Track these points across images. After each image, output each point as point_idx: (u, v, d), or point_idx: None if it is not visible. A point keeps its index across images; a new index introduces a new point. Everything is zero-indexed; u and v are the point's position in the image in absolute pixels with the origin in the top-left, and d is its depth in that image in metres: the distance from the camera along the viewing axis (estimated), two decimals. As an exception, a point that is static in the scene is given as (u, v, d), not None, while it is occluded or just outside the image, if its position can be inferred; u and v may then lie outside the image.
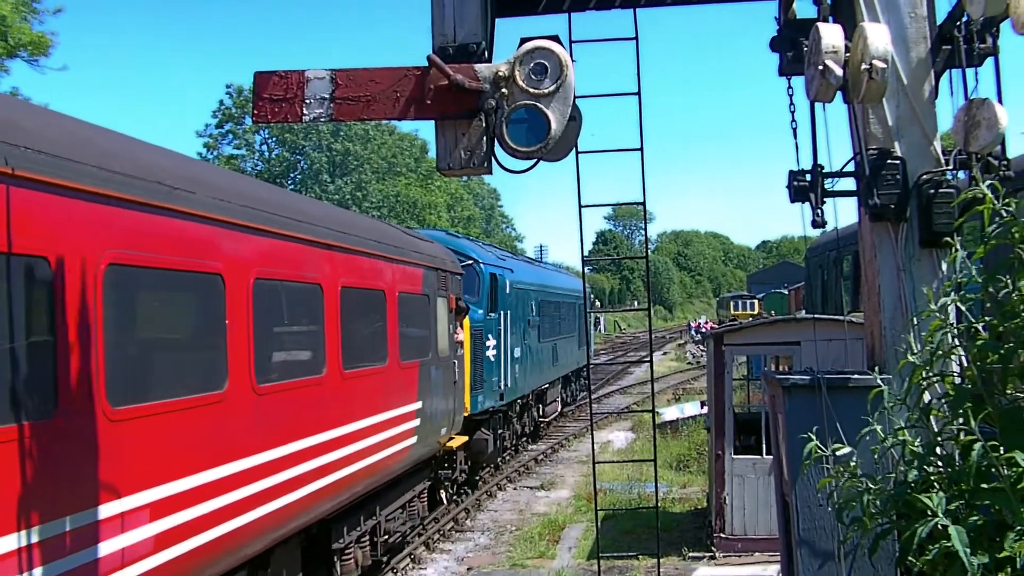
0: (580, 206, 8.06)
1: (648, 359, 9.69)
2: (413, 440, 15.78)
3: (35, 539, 6.61)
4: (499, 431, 25.08)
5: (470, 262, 22.71)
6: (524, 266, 32.41)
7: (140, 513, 7.94)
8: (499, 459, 25.98)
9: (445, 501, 20.75)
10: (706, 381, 19.13)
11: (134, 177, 8.11)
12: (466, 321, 20.63)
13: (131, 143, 9.12)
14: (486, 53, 6.50)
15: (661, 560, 12.19)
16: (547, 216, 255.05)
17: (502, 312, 24.78)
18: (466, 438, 20.92)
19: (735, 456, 15.87)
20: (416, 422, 15.89)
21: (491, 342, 23.51)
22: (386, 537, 15.64)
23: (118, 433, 7.65)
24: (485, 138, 6.18)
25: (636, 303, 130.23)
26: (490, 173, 6.45)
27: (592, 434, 9.73)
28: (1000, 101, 6.13)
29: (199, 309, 9.56)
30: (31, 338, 6.90)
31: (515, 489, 24.85)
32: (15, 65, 31.35)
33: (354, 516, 14.12)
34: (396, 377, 14.99)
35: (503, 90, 6.11)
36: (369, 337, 14.10)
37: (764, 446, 15.45)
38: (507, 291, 25.55)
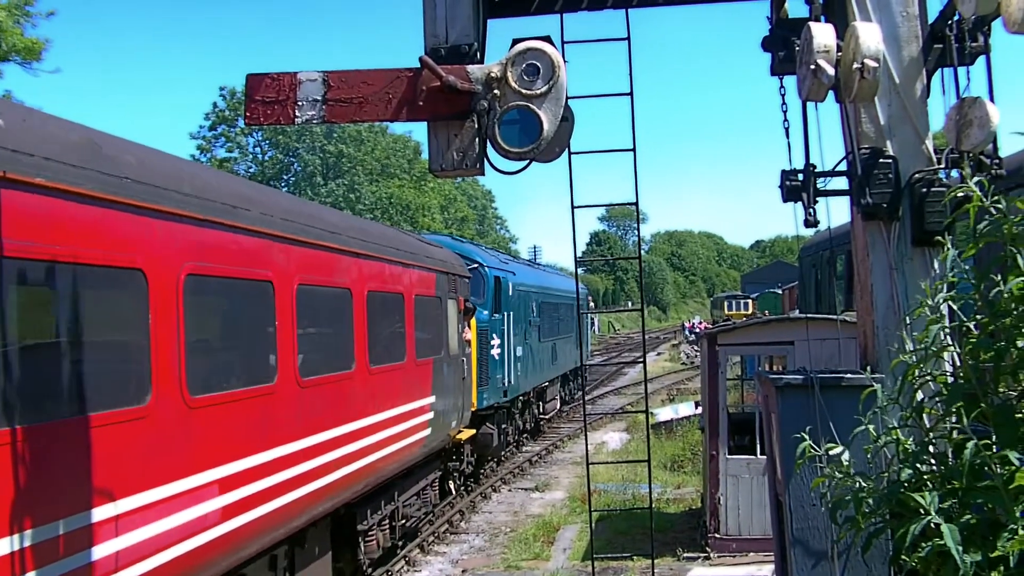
0: (573, 207, 8.08)
1: (642, 360, 9.71)
2: (428, 432, 16.92)
3: (146, 502, 8.05)
4: (503, 426, 26.03)
5: (476, 265, 23.89)
6: (525, 269, 33.73)
7: (211, 487, 9.10)
8: (503, 453, 27.10)
9: (454, 491, 21.98)
10: (700, 381, 19.14)
11: (204, 199, 9.22)
12: (472, 321, 21.63)
13: (192, 166, 10.51)
14: (478, 54, 6.50)
15: (655, 561, 12.21)
16: (541, 217, 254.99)
17: (505, 313, 25.94)
18: (473, 431, 22.27)
19: (729, 456, 15.88)
20: (430, 415, 17.04)
21: (495, 341, 24.63)
22: (403, 521, 17.02)
23: (195, 419, 8.85)
24: (477, 139, 6.17)
25: (630, 304, 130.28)
26: (482, 174, 6.45)
27: (586, 435, 9.75)
28: (992, 100, 6.14)
29: (254, 312, 10.56)
30: (129, 337, 8.22)
31: (510, 491, 24.85)
32: (8, 68, 31.34)
33: (376, 501, 15.33)
34: (413, 373, 16.15)
35: (495, 91, 6.10)
36: (391, 336, 15.24)
37: (758, 446, 15.44)
38: (510, 293, 26.61)
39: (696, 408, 28.97)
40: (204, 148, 79.95)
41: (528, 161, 6.26)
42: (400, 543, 17.42)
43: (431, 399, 17.11)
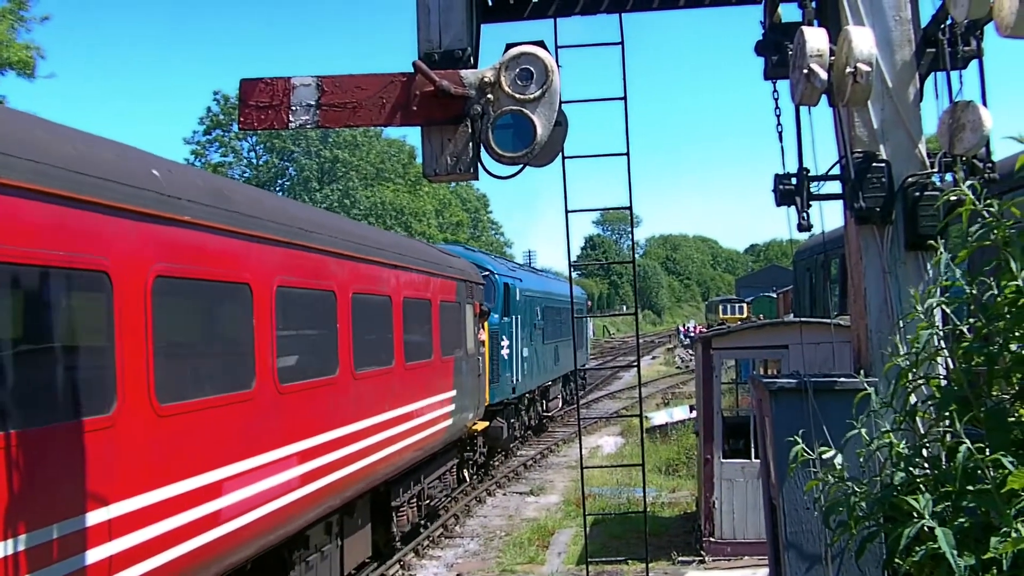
0: (567, 211, 8.08)
1: (637, 363, 9.71)
2: (450, 421, 19.18)
3: (254, 465, 10.23)
4: (511, 420, 28.21)
5: (487, 273, 26.14)
6: (530, 276, 35.70)
7: (292, 458, 11.19)
8: (511, 446, 29.45)
9: (468, 479, 24.01)
10: (695, 385, 19.14)
11: (285, 224, 11.37)
12: (485, 324, 23.82)
13: (279, 200, 13.50)
14: (472, 59, 6.51)
15: (650, 564, 12.20)
16: (535, 221, 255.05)
17: (514, 316, 28.19)
18: (487, 424, 24.22)
19: (724, 460, 15.88)
20: (452, 407, 19.34)
21: (505, 343, 26.86)
22: (428, 501, 19.31)
23: (284, 402, 11.05)
24: (471, 144, 6.18)
25: (625, 308, 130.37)
26: (476, 179, 6.46)
27: (580, 439, 9.74)
28: (984, 104, 6.16)
29: (323, 316, 12.76)
30: (239, 334, 10.40)
31: (505, 495, 24.83)
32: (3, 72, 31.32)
33: (406, 482, 17.52)
34: (439, 369, 18.49)
35: (489, 96, 6.11)
36: (421, 337, 17.53)
37: (753, 450, 15.45)
38: (517, 298, 28.90)
39: (691, 412, 28.97)
40: (198, 153, 79.92)
41: (522, 166, 6.26)
42: (424, 521, 19.51)
43: (453, 392, 19.39)
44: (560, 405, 38.49)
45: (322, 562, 13.25)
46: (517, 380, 27.97)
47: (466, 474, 23.70)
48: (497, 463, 27.76)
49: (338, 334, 12.92)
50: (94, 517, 7.51)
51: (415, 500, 18.31)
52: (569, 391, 40.94)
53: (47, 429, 7.12)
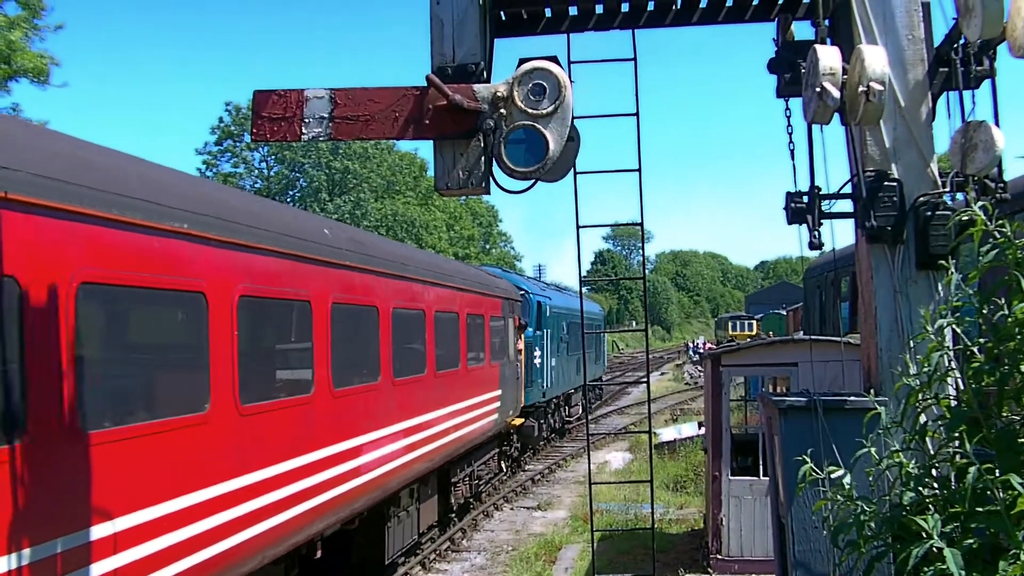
0: (578, 226, 8.08)
1: (646, 379, 9.68)
2: (496, 416, 23.05)
3: (374, 437, 13.76)
4: (540, 421, 31.72)
5: (524, 292, 29.61)
6: (557, 294, 39.11)
7: (400, 435, 14.99)
8: (537, 445, 32.89)
9: (504, 468, 27.56)
10: (704, 402, 19.10)
11: (353, 251, 13.45)
12: (522, 336, 27.37)
13: (348, 229, 15.99)
14: (485, 73, 6.52)
15: (657, 581, 12.16)
16: (545, 234, 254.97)
17: (545, 330, 31.94)
18: (522, 420, 28.22)
19: (732, 477, 15.82)
20: (498, 403, 23.23)
21: (537, 353, 30.37)
22: (477, 481, 23.19)
23: (397, 391, 14.91)
24: (483, 158, 6.18)
25: (634, 323, 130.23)
26: (488, 193, 6.46)
27: (588, 454, 9.72)
28: (997, 123, 6.15)
29: (417, 331, 16.37)
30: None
31: (512, 509, 24.77)
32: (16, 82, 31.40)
33: (461, 463, 21.32)
34: (488, 372, 22.31)
35: (501, 110, 6.12)
36: (477, 345, 21.24)
37: (761, 467, 15.39)
38: (548, 314, 32.62)
39: (699, 429, 28.90)
40: (210, 163, 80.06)
41: (534, 181, 6.26)
42: (473, 497, 23.34)
43: (499, 392, 23.34)
44: (580, 412, 41.66)
45: (407, 519, 17.14)
46: (547, 386, 31.90)
47: (503, 464, 27.39)
48: (527, 457, 31.50)
49: (426, 344, 16.83)
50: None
51: (467, 479, 22.16)
52: (588, 399, 43.31)
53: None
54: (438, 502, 19.66)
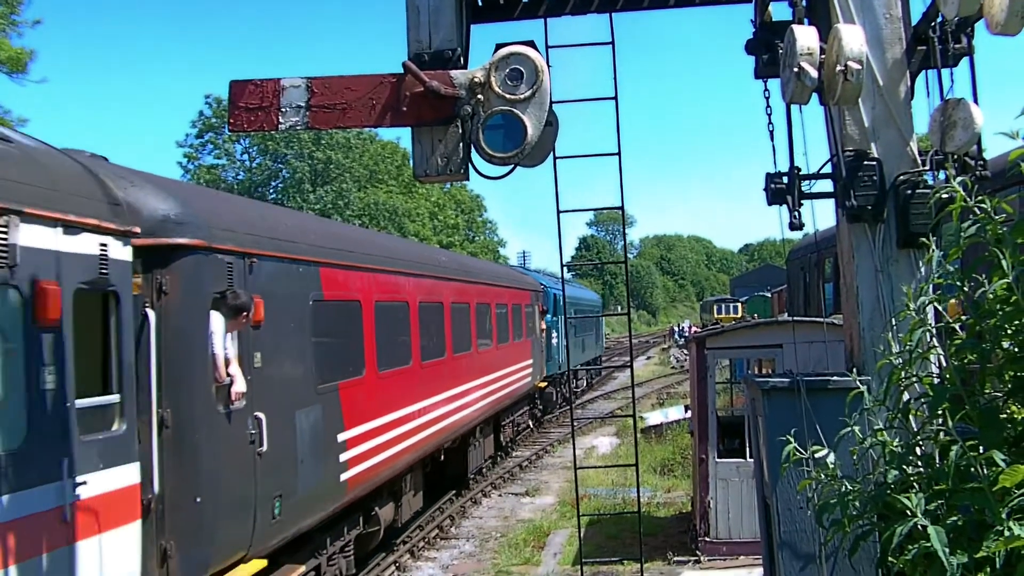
0: (558, 212, 8.08)
1: (630, 364, 9.69)
2: (529, 378, 31.42)
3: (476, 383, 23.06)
4: (557, 389, 40.44)
5: (544, 287, 37.65)
6: (567, 287, 43.99)
7: (479, 387, 23.24)
8: (551, 414, 40.10)
9: (532, 426, 34.76)
10: (689, 385, 19.13)
11: (422, 263, 19.60)
12: (543, 320, 35.71)
13: (416, 247, 30.87)
14: (462, 59, 6.49)
15: (646, 565, 12.19)
16: (529, 221, 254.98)
17: (559, 316, 38.56)
18: (545, 384, 35.92)
19: (719, 460, 15.87)
20: (531, 369, 31.70)
21: (554, 334, 38.30)
22: (517, 427, 31.26)
23: (476, 358, 23.19)
24: (461, 144, 6.16)
25: (619, 308, 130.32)
26: (467, 179, 6.44)
27: (573, 440, 9.73)
28: (975, 101, 6.15)
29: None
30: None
31: (500, 496, 24.81)
32: (-6, 77, 31.18)
33: (507, 412, 28.87)
34: (524, 346, 30.86)
35: (479, 96, 6.10)
36: (516, 326, 29.63)
37: (748, 449, 15.41)
38: (560, 304, 39.36)
39: (686, 412, 28.98)
40: (191, 156, 79.77)
41: (512, 166, 6.25)
42: (511, 442, 30.75)
43: (531, 360, 31.78)
44: (584, 386, 50.99)
45: (478, 448, 24.66)
46: (561, 360, 39.32)
47: (531, 423, 34.57)
48: (548, 420, 38.85)
49: (494, 327, 25.73)
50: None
51: (511, 424, 29.94)
52: (590, 375, 54.39)
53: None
54: (493, 440, 27.42)
